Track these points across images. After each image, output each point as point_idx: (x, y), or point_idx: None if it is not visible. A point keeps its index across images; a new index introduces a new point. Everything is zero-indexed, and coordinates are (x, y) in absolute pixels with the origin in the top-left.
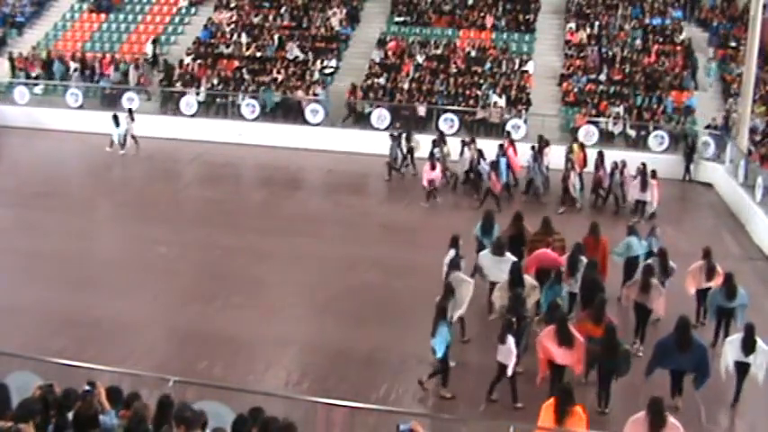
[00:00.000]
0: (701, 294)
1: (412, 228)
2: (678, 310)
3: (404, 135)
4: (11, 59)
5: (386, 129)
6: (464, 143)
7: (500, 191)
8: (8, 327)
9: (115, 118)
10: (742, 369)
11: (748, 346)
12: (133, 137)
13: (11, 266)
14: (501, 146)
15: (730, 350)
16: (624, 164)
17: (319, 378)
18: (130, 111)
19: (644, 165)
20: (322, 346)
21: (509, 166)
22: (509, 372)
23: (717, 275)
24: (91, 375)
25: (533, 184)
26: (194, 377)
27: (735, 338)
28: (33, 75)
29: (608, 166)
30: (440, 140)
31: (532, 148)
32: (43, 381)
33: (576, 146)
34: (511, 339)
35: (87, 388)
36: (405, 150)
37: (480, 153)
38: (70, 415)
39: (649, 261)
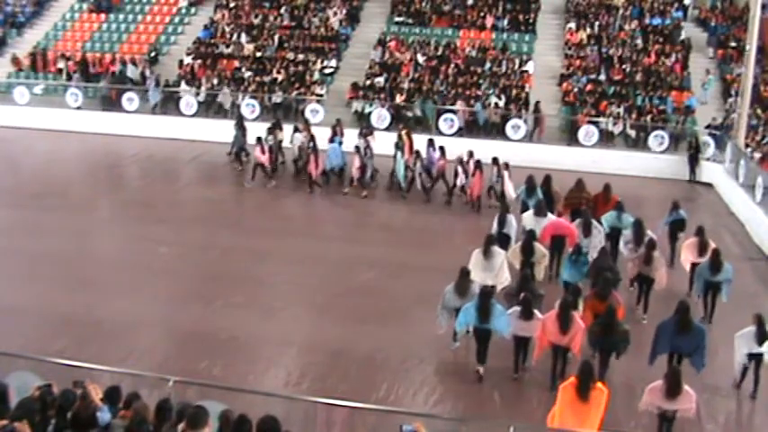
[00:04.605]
0: (694, 268)
1: (413, 228)
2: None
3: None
4: (65, 59)
5: (385, 128)
6: (296, 129)
7: (317, 176)
8: (8, 327)
9: None
10: (758, 360)
11: (762, 336)
12: None
13: (11, 266)
14: (334, 128)
15: (742, 343)
16: (471, 154)
17: (319, 378)
18: None
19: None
20: (322, 346)
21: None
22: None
23: (709, 250)
24: (91, 375)
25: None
26: (194, 377)
27: (746, 332)
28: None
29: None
30: (274, 128)
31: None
32: (43, 381)
33: (403, 133)
34: (538, 314)
35: (79, 391)
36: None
37: (312, 139)
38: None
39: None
